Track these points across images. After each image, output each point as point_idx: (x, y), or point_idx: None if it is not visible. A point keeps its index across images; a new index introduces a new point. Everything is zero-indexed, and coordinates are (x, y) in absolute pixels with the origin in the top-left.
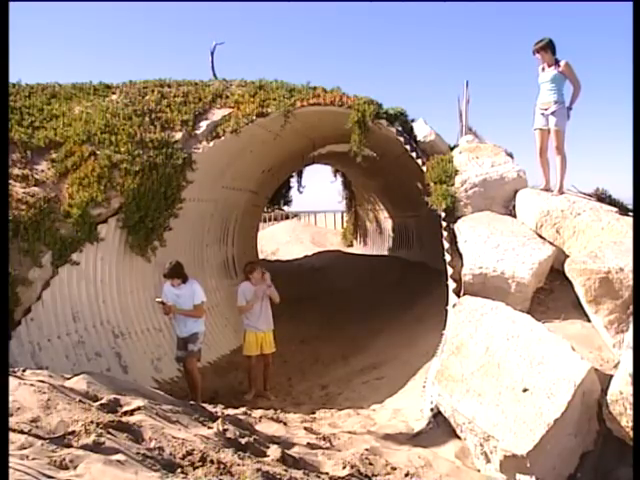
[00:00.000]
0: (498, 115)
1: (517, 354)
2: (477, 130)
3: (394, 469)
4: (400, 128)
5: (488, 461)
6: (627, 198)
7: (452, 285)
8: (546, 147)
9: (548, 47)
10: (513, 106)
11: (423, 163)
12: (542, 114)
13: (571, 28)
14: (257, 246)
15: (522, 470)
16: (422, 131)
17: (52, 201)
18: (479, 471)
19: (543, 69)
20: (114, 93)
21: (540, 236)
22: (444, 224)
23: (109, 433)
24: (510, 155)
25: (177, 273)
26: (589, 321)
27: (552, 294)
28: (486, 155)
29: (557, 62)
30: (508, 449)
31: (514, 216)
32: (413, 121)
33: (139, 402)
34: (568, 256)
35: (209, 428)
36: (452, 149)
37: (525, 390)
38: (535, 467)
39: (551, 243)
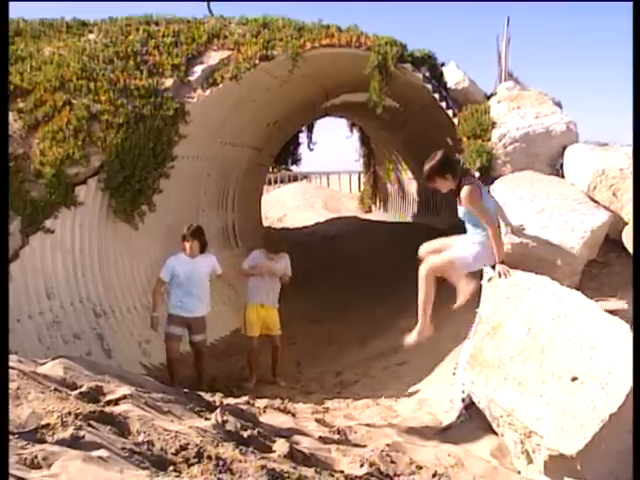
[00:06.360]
0: (544, 59)
1: (565, 337)
2: (519, 76)
3: (420, 468)
4: (427, 74)
5: (530, 461)
6: None
7: None
8: None
9: (444, 170)
10: (562, 49)
11: (454, 114)
12: None
13: None
14: (261, 212)
15: (571, 473)
16: (454, 77)
17: (20, 158)
18: (519, 473)
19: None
20: (91, 32)
21: (593, 200)
22: None
23: (90, 426)
24: (558, 105)
25: (200, 236)
26: None
27: (607, 268)
28: (529, 105)
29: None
30: (554, 448)
31: (562, 176)
32: (443, 65)
33: (125, 390)
34: (627, 223)
35: (206, 419)
36: (489, 98)
37: (574, 379)
38: (587, 470)
39: (606, 208)
